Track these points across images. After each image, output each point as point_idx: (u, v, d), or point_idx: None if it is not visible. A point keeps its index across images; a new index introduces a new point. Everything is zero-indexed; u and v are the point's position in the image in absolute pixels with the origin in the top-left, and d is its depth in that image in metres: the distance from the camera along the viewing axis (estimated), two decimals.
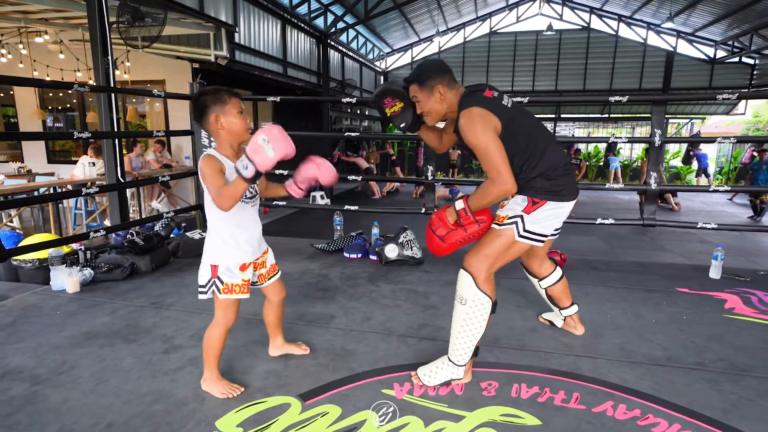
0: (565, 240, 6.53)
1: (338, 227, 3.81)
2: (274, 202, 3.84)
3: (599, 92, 16.14)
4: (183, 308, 2.45)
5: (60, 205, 6.48)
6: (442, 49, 17.43)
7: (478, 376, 1.77)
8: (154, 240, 3.13)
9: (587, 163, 16.33)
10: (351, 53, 13.99)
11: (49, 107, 9.03)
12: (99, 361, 1.88)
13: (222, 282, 1.60)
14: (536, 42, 16.65)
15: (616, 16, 15.40)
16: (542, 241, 1.75)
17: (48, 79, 7.84)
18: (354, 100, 3.64)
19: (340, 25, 11.99)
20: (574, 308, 2.14)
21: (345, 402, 1.59)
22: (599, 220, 3.13)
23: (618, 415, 1.52)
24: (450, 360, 1.69)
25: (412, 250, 3.22)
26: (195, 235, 3.50)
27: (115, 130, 4.22)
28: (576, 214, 8.88)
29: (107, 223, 6.34)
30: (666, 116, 11.62)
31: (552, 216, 1.72)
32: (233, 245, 1.61)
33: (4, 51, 6.72)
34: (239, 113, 1.58)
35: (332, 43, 12.07)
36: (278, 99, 3.58)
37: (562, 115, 17.67)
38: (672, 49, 15.22)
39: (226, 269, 1.60)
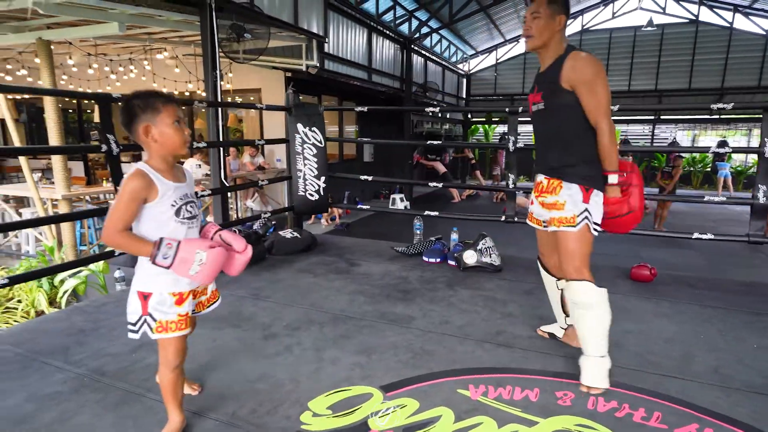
0: (655, 252, 6.09)
1: (418, 232, 3.93)
2: (359, 205, 4.06)
3: (708, 91, 14.63)
4: (277, 301, 2.71)
5: None
6: (528, 50, 16.89)
7: (554, 386, 1.79)
8: (252, 238, 3.48)
9: (691, 169, 14.93)
10: (434, 57, 14.08)
11: None
12: (211, 341, 2.17)
13: (155, 319, 1.37)
14: (634, 38, 15.54)
15: (731, 7, 13.89)
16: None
17: (165, 90, 8.86)
18: (438, 110, 3.74)
19: (425, 29, 12.13)
20: None
21: (423, 397, 1.71)
22: (696, 235, 2.93)
23: None
24: (599, 356, 1.75)
25: (491, 257, 3.25)
26: (287, 234, 3.81)
27: (221, 139, 4.71)
28: (670, 225, 8.14)
29: (210, 218, 7.06)
30: None
31: (598, 205, 1.80)
32: (169, 272, 1.33)
33: (132, 67, 7.73)
34: (175, 123, 1.36)
35: (415, 47, 12.24)
36: (365, 109, 3.79)
37: (662, 116, 16.27)
38: None
39: (158, 303, 1.36)
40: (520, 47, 17.00)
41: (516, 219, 3.42)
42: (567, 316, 2.08)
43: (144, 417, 1.59)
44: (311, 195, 3.86)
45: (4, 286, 2.01)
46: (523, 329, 2.32)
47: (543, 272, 2.13)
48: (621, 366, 1.94)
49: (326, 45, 8.11)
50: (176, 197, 1.38)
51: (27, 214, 6.17)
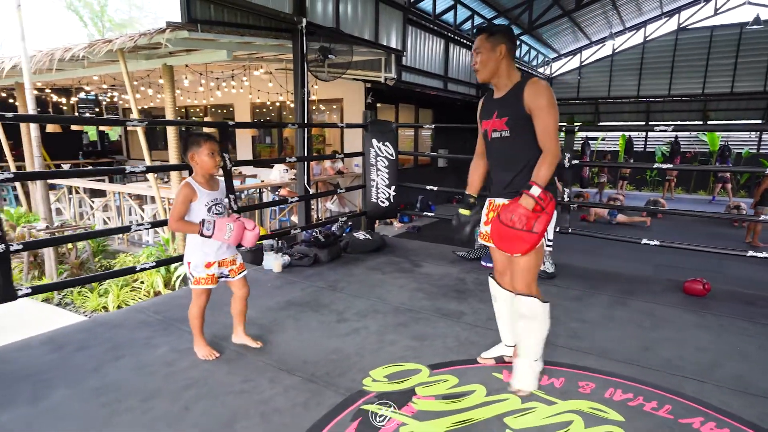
0: (744, 269, 5.73)
1: (478, 238, 4.24)
2: (423, 213, 4.47)
3: None
4: (350, 293, 3.19)
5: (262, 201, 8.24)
6: (616, 51, 16.19)
7: (579, 377, 2.07)
8: (331, 238, 4.02)
9: None
10: None
11: (256, 119, 11.27)
12: (296, 322, 2.70)
13: (193, 276, 2.18)
14: (739, 37, 14.29)
15: None
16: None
17: (259, 100, 9.89)
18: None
19: None
20: None
21: (462, 375, 2.08)
22: (750, 253, 2.96)
23: (704, 429, 1.69)
24: (533, 360, 1.96)
25: (544, 264, 3.48)
26: (360, 235, 4.32)
27: (305, 154, 5.32)
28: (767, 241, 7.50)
29: (294, 219, 7.84)
30: None
31: (552, 223, 1.89)
32: (203, 248, 2.16)
33: (233, 82, 8.80)
34: (210, 154, 2.11)
35: None
36: (433, 126, 4.16)
37: None
38: None
39: (195, 266, 2.17)
40: (607, 49, 16.33)
41: (570, 230, 3.62)
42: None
43: (247, 369, 2.13)
44: (383, 202, 4.34)
45: (152, 268, 2.69)
46: (562, 329, 2.58)
47: (499, 290, 2.16)
48: (646, 366, 2.16)
49: (404, 58, 8.60)
50: (208, 200, 2.16)
51: (148, 210, 7.33)
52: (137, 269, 2.59)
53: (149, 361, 2.21)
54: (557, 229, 3.75)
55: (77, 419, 1.78)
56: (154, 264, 2.72)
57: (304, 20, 5.70)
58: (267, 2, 5.32)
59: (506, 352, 2.21)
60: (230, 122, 2.86)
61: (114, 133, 16.40)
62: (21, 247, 2.20)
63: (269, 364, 2.19)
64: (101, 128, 15.21)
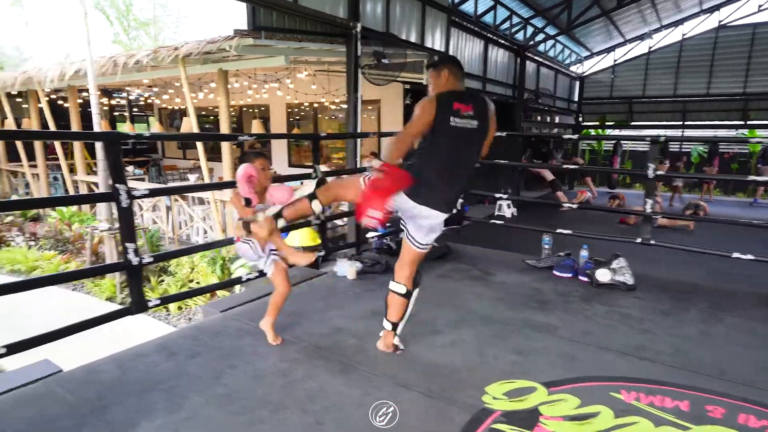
0: None
1: (546, 246, 4.20)
2: (491, 221, 4.44)
3: None
4: (431, 303, 3.14)
5: None
6: (652, 49, 15.83)
7: (704, 400, 2.03)
8: (393, 249, 4.04)
9: None
10: (547, 62, 13.85)
11: (291, 119, 11.35)
12: None
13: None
14: None
15: None
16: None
17: (297, 101, 9.92)
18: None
19: (540, 36, 12.04)
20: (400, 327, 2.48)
21: (582, 395, 2.06)
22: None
23: None
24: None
25: (624, 276, 3.44)
26: None
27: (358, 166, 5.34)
28: None
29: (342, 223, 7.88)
30: None
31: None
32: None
33: (275, 85, 8.89)
34: (261, 169, 2.36)
35: (529, 54, 12.19)
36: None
37: None
38: None
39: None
40: (642, 47, 15.99)
41: (652, 242, 3.56)
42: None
43: (361, 381, 2.15)
44: None
45: (257, 278, 2.74)
46: (664, 346, 2.54)
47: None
48: None
49: None
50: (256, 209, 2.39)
51: (198, 210, 7.46)
52: (243, 279, 2.65)
53: (263, 370, 2.25)
54: (638, 241, 3.69)
55: (219, 429, 1.82)
56: (258, 274, 2.77)
57: (359, 25, 5.73)
58: (323, 8, 5.35)
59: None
60: (322, 134, 2.89)
61: (146, 132, 16.69)
62: (152, 259, 2.27)
63: (381, 376, 2.21)
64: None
